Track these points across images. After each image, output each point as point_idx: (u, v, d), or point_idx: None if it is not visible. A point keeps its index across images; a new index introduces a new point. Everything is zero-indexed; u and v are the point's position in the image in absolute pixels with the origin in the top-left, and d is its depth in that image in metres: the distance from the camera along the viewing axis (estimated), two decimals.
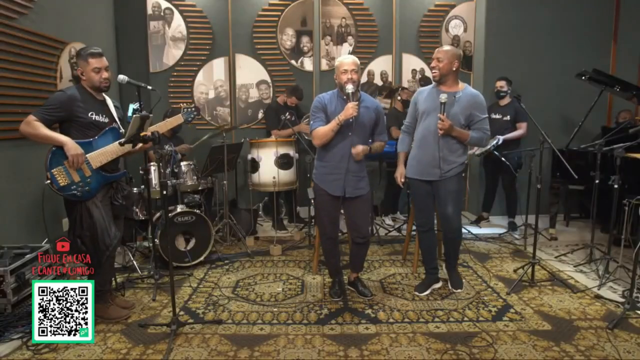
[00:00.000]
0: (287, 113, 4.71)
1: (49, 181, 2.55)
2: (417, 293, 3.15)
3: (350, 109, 2.69)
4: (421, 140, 3.01)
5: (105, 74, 2.66)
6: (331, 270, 3.15)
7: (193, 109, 3.12)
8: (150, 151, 3.60)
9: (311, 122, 2.88)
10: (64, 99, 2.57)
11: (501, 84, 4.61)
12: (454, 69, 2.91)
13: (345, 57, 2.86)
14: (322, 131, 2.80)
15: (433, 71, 2.97)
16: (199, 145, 4.40)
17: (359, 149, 2.79)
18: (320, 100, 2.89)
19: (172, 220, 3.59)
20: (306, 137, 4.61)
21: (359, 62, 2.85)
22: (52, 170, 2.55)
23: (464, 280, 3.32)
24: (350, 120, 2.72)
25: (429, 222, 3.15)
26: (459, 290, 3.15)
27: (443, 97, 2.82)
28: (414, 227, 3.78)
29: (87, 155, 2.61)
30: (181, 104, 3.18)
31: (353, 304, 2.99)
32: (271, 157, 4.38)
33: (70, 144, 2.53)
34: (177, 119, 3.05)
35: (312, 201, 3.00)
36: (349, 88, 2.73)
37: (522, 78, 4.95)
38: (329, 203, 2.91)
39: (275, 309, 2.93)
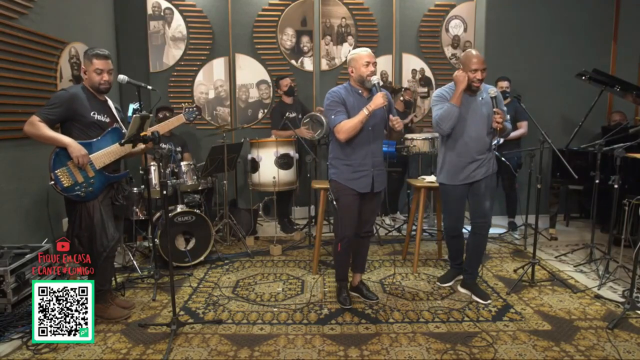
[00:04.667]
0: (292, 112, 4.70)
1: (52, 182, 2.56)
2: (439, 284, 3.27)
3: (381, 98, 2.62)
4: (462, 147, 2.92)
5: (106, 77, 2.67)
6: (343, 273, 3.03)
7: (194, 108, 3.09)
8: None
9: (332, 116, 2.71)
10: (66, 97, 2.58)
11: (505, 85, 4.58)
12: None
13: (361, 50, 2.77)
14: (350, 124, 2.66)
15: (476, 84, 2.81)
16: (199, 145, 4.40)
17: (399, 119, 2.73)
18: (337, 94, 2.75)
19: (172, 220, 3.59)
20: (307, 138, 4.61)
21: None
22: (56, 171, 2.55)
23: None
24: (383, 108, 2.64)
25: (461, 226, 3.12)
26: (489, 302, 2.98)
27: (492, 92, 2.83)
28: (414, 228, 3.80)
29: (90, 156, 2.61)
30: (183, 104, 3.14)
31: (353, 304, 2.99)
32: (271, 157, 4.38)
33: (74, 145, 2.53)
34: (178, 119, 3.03)
35: (335, 203, 2.83)
36: (375, 79, 2.69)
37: (522, 78, 4.94)
38: (353, 203, 2.81)
39: (275, 309, 2.93)
